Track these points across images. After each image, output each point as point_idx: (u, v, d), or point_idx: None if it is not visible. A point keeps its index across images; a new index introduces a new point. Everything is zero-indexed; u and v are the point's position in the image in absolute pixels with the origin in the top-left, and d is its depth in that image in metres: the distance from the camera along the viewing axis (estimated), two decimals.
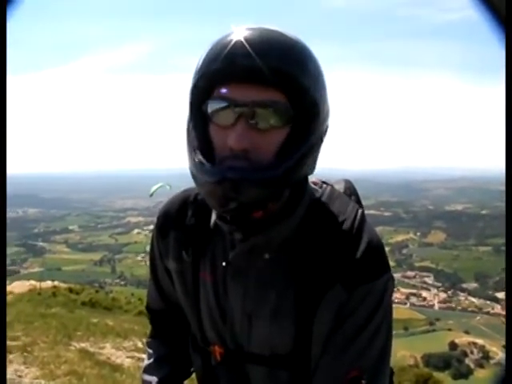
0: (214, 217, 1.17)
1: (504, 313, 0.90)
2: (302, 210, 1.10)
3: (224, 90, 0.96)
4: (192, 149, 1.00)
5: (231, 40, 0.94)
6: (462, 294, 71.24)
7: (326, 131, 1.05)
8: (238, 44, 0.93)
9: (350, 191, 1.27)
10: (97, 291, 22.43)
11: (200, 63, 1.00)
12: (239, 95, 0.94)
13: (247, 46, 0.92)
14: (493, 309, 63.60)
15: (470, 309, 65.89)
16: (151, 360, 1.41)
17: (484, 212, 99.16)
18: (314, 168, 1.06)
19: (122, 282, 73.49)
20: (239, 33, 0.95)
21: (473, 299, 68.08)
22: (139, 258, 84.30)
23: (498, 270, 71.40)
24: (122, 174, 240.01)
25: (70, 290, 19.14)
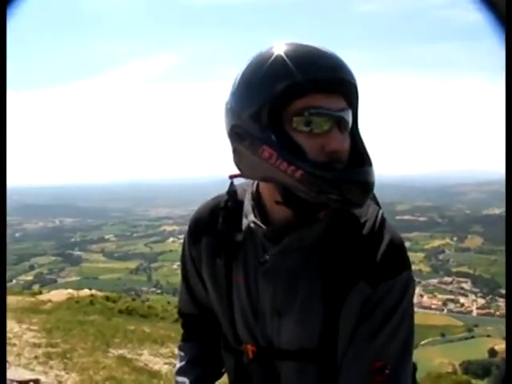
0: (245, 221, 1.24)
1: None
2: (330, 211, 1.17)
3: (311, 101, 1.04)
4: (296, 156, 1.04)
5: (292, 53, 1.04)
6: (500, 299, 69.77)
7: None
8: (307, 57, 1.04)
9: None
10: (133, 299, 22.60)
11: (265, 80, 1.05)
12: (329, 105, 1.05)
13: (318, 58, 1.04)
14: None
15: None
16: (183, 362, 1.47)
17: None
18: None
19: (158, 291, 73.81)
20: (291, 47, 1.06)
21: None
22: (175, 267, 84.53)
23: None
24: (156, 183, 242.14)
25: (107, 299, 19.35)
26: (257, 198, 1.23)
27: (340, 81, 1.05)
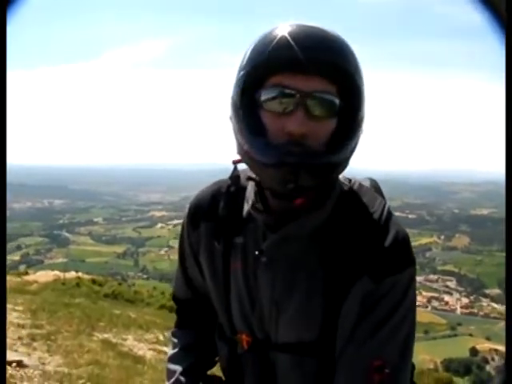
0: (246, 207, 1.21)
1: None
2: (333, 201, 1.15)
3: (280, 79, 1.00)
4: (248, 133, 1.03)
5: (287, 32, 0.99)
6: (484, 299, 70.31)
7: (362, 133, 1.10)
8: (298, 35, 0.98)
9: (375, 189, 1.30)
10: (119, 283, 22.55)
11: (250, 54, 1.04)
12: (296, 84, 0.99)
13: (304, 38, 0.98)
14: None
15: (492, 315, 64.98)
16: (176, 349, 1.44)
17: None
18: (348, 165, 1.10)
19: (145, 276, 73.70)
20: (292, 27, 1.00)
21: (495, 305, 67.10)
22: (162, 252, 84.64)
23: None
24: (148, 168, 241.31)
25: (94, 282, 19.31)
26: (260, 184, 1.16)
27: (318, 62, 0.98)
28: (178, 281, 1.46)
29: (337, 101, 1.02)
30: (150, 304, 16.87)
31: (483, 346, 52.40)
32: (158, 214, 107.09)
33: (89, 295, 15.00)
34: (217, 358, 1.42)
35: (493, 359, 49.67)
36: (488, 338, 55.88)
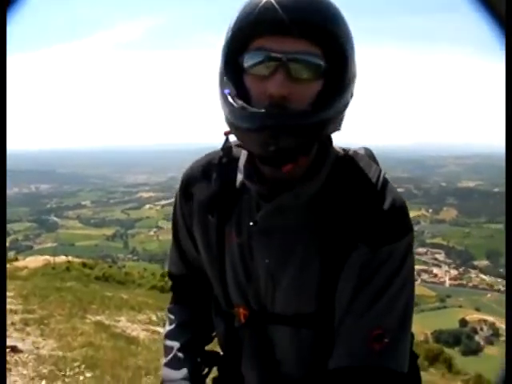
0: (239, 177, 1.19)
1: None
2: (327, 168, 1.12)
3: (262, 42, 0.99)
4: (230, 97, 1.02)
5: None
6: (473, 271, 71.04)
7: (352, 93, 1.08)
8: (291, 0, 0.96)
9: (370, 157, 1.27)
10: (110, 266, 22.64)
11: (234, 19, 1.03)
12: (277, 47, 0.97)
13: (288, 1, 0.96)
14: (503, 286, 63.40)
15: (480, 286, 65.83)
16: (173, 326, 1.43)
17: (496, 190, 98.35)
18: (341, 126, 1.08)
19: (135, 257, 73.77)
20: None
21: (484, 276, 67.97)
22: (151, 233, 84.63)
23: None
24: (134, 150, 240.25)
25: (84, 265, 19.36)
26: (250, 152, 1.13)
27: (301, 23, 0.96)
28: (172, 256, 1.44)
29: (321, 62, 1.00)
30: (142, 285, 16.95)
31: (472, 316, 53.09)
32: (145, 195, 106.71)
33: (80, 278, 15.05)
34: (214, 334, 1.42)
35: (481, 329, 50.42)
36: (477, 309, 56.62)
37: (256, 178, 1.12)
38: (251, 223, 1.14)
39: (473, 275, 69.74)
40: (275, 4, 0.95)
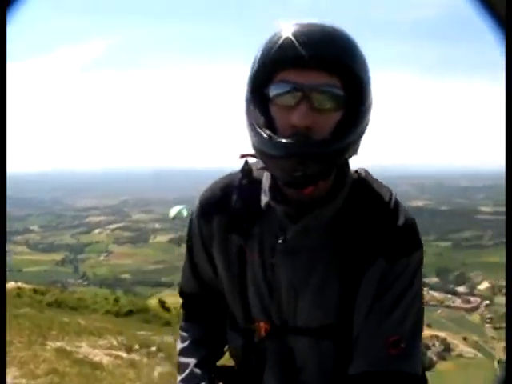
0: (264, 198, 1.25)
1: (464, 306, 1.02)
2: (346, 190, 1.22)
3: (286, 75, 1.07)
4: (257, 126, 1.10)
5: (291, 32, 1.06)
6: (423, 288, 72.15)
7: (368, 123, 1.15)
8: (300, 34, 1.05)
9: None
10: (62, 291, 22.16)
11: (259, 54, 1.11)
12: (300, 79, 1.05)
13: (306, 36, 1.04)
14: (453, 302, 64.71)
15: (431, 303, 66.80)
16: (187, 343, 1.48)
17: (443, 208, 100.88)
18: (357, 151, 1.16)
19: (85, 282, 72.36)
20: (295, 26, 1.08)
21: (434, 293, 69.06)
22: (101, 258, 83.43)
23: (457, 264, 73.03)
24: (84, 173, 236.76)
25: (35, 291, 18.87)
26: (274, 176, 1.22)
27: (319, 57, 1.04)
28: (185, 275, 1.49)
29: (340, 93, 1.07)
30: (96, 310, 16.64)
31: (424, 333, 53.21)
32: (95, 219, 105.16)
33: (32, 305, 14.66)
34: (225, 349, 1.47)
35: (434, 345, 51.04)
36: (429, 325, 57.30)
37: (281, 199, 1.20)
38: (279, 241, 1.21)
39: (423, 292, 70.77)
40: (294, 40, 1.04)
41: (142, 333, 9.99)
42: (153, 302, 19.98)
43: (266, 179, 1.26)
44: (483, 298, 58.91)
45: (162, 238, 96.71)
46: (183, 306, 1.55)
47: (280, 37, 1.07)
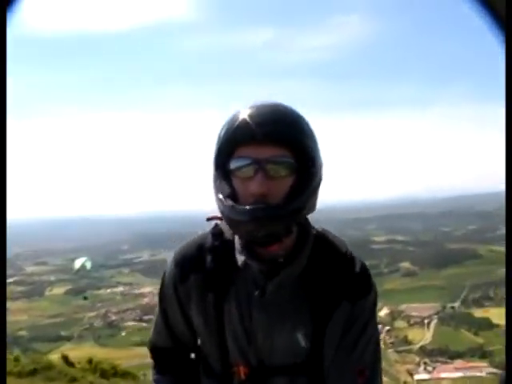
0: (240, 257, 1.39)
1: None
2: (310, 245, 1.39)
3: (244, 150, 1.25)
4: (222, 197, 1.27)
5: (246, 114, 1.25)
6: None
7: (320, 180, 1.33)
8: (254, 115, 1.24)
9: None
10: None
11: (220, 133, 1.30)
12: (256, 154, 1.23)
13: (259, 117, 1.24)
14: None
15: None
16: None
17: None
18: (314, 208, 1.34)
19: None
20: (250, 108, 1.27)
21: None
22: None
23: None
24: None
25: None
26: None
27: (271, 134, 1.22)
28: (158, 331, 1.60)
29: (291, 161, 1.25)
30: None
31: None
32: None
33: None
34: None
35: None
36: None
37: (256, 258, 1.35)
38: (256, 293, 1.35)
39: None
40: (248, 121, 1.23)
41: None
42: (54, 357, 18.94)
43: (237, 240, 1.41)
44: (384, 323, 60.60)
45: (58, 291, 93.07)
46: (155, 359, 1.65)
47: (237, 118, 1.26)
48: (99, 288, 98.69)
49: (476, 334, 68.47)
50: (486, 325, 71.18)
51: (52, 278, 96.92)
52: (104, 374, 16.90)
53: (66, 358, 17.83)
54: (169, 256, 1.53)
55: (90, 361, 17.99)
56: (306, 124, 1.30)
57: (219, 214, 1.34)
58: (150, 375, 1.67)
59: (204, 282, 1.42)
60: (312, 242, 1.41)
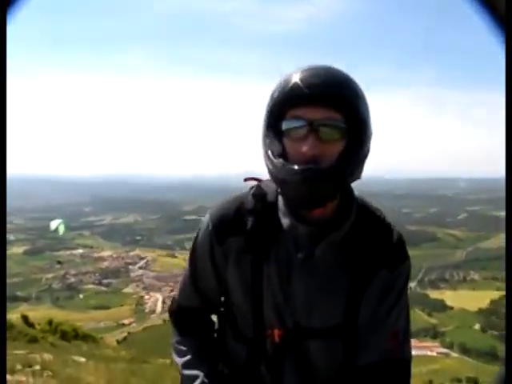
0: (285, 220, 1.38)
1: None
2: (354, 212, 1.40)
3: (296, 112, 1.25)
4: (273, 156, 1.28)
5: (298, 75, 1.26)
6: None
7: (368, 151, 1.33)
8: (307, 76, 1.24)
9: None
10: None
11: (275, 94, 1.29)
12: (308, 115, 1.23)
13: (311, 78, 1.24)
14: None
15: None
16: (189, 356, 1.57)
17: None
18: (360, 175, 1.33)
19: None
20: (302, 70, 1.27)
21: None
22: None
23: None
24: None
25: None
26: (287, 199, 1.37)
27: (323, 95, 1.22)
28: (184, 290, 1.60)
29: (342, 125, 1.24)
30: None
31: None
32: None
33: None
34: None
35: None
36: None
37: (303, 220, 1.35)
38: (300, 257, 1.36)
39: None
40: (302, 82, 1.23)
41: (21, 352, 9.23)
42: (13, 317, 18.65)
43: (281, 202, 1.40)
44: None
45: (17, 250, 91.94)
46: (176, 320, 1.64)
47: (290, 80, 1.26)
48: (58, 249, 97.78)
49: (430, 314, 70.22)
50: (441, 306, 73.01)
51: (11, 238, 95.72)
52: (65, 336, 16.79)
53: (25, 319, 17.64)
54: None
55: (49, 322, 17.84)
56: (360, 90, 1.29)
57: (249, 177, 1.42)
58: (172, 338, 1.63)
59: (245, 244, 1.41)
60: (357, 207, 1.42)
